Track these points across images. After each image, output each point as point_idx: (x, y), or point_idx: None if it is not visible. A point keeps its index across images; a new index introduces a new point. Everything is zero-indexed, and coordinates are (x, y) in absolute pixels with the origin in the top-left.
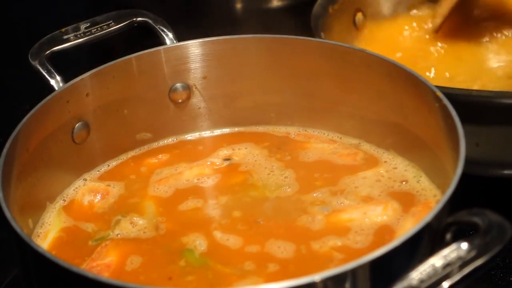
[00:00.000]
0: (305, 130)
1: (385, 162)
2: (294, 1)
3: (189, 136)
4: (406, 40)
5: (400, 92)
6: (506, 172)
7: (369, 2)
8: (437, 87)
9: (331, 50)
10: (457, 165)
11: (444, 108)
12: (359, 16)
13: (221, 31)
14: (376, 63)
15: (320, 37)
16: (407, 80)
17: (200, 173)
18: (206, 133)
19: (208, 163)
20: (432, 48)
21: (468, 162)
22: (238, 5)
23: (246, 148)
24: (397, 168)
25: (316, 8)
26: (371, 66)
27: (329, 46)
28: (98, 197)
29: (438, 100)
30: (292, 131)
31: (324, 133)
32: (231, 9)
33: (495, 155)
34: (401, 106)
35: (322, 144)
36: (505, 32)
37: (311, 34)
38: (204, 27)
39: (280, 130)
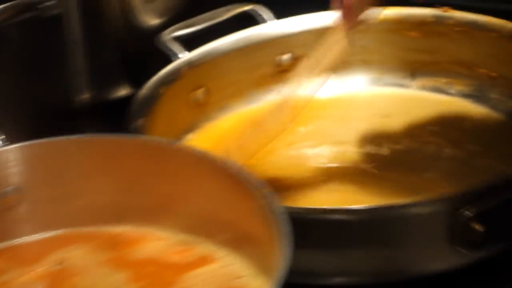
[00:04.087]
0: (138, 229)
1: (219, 258)
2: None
3: (18, 241)
4: None
5: (229, 190)
6: None
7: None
8: None
9: (153, 148)
10: (279, 265)
11: (269, 205)
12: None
13: None
14: (203, 161)
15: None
16: (235, 178)
17: (31, 279)
18: (35, 237)
19: (38, 268)
20: None
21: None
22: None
23: (77, 250)
24: (232, 265)
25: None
26: (199, 164)
27: (150, 144)
28: None
29: (264, 197)
30: (126, 230)
31: (157, 231)
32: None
33: None
34: (232, 203)
35: (156, 242)
36: None
37: None
38: None
39: (113, 230)
